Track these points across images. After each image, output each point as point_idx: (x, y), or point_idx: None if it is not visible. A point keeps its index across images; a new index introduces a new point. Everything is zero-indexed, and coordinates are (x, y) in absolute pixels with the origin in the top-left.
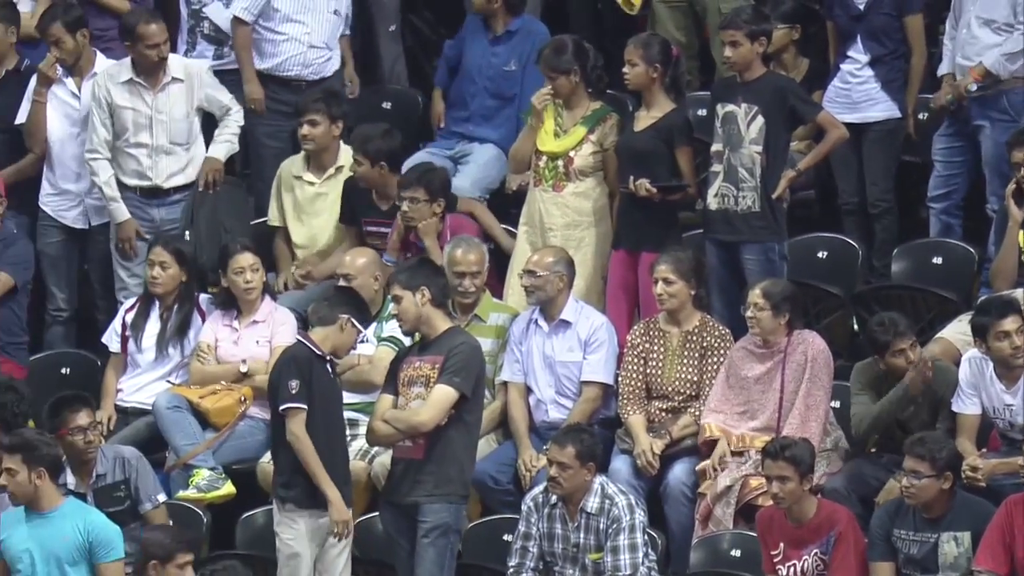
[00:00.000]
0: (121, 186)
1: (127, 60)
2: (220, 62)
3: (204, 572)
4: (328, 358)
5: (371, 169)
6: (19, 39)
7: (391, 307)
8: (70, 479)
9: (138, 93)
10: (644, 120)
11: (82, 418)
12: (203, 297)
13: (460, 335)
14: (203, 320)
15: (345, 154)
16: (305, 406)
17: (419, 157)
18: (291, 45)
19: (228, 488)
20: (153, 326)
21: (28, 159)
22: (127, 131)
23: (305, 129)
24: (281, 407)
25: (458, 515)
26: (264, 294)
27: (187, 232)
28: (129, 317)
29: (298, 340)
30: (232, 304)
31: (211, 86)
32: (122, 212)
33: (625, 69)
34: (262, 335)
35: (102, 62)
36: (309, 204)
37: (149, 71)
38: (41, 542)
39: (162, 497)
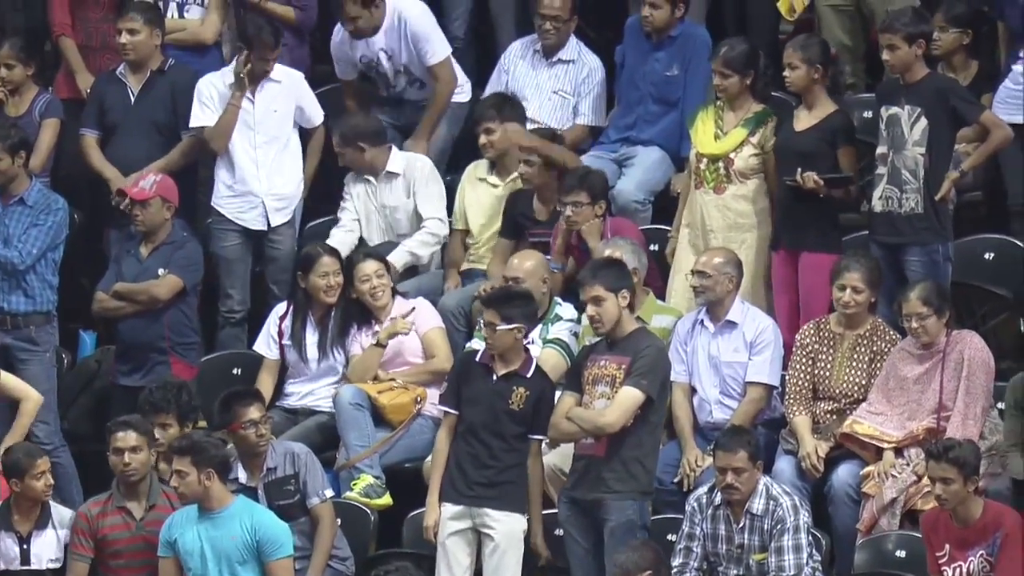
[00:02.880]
0: None
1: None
2: None
3: (378, 572)
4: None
5: (544, 171)
6: (187, 46)
7: (558, 309)
8: (241, 473)
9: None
10: (805, 120)
11: (253, 412)
12: None
13: (648, 337)
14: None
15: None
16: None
17: (585, 161)
18: None
19: (385, 500)
20: (312, 332)
21: (176, 156)
22: None
23: (483, 138)
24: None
25: (643, 512)
26: (395, 295)
27: None
28: (285, 324)
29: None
30: (367, 317)
31: (425, 183)
32: None
33: (786, 72)
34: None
35: (279, 70)
36: (494, 207)
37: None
38: (211, 541)
39: (329, 493)
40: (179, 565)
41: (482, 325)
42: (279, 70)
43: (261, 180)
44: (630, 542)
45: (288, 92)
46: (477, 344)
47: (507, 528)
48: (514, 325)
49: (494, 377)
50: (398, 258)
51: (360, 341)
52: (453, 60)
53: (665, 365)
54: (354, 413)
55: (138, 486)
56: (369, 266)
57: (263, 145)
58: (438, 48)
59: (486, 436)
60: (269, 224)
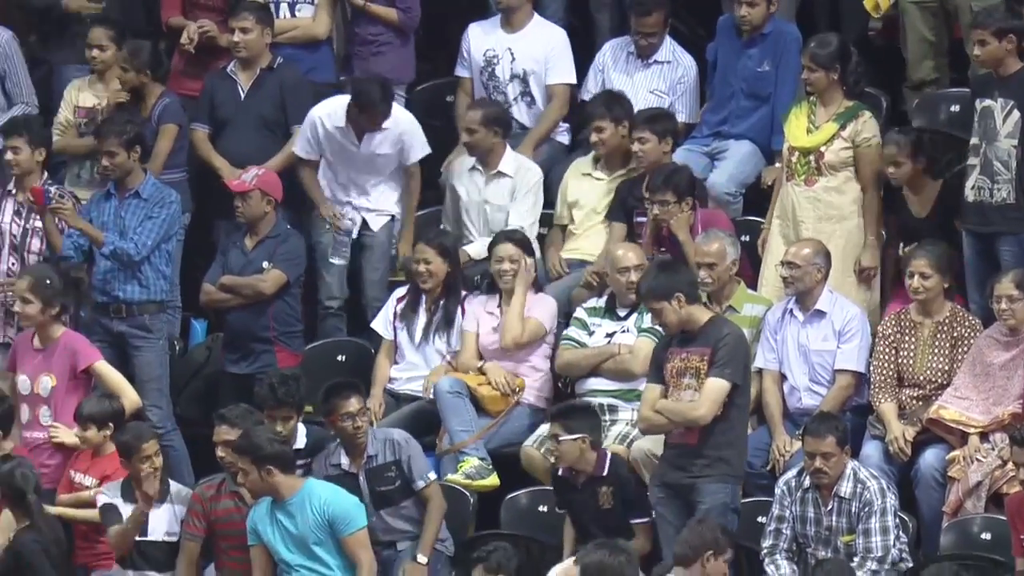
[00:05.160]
0: None
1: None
2: None
3: (479, 553)
4: None
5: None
6: (298, 43)
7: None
8: (343, 460)
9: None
10: None
11: (351, 404)
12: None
13: (724, 325)
14: (463, 312)
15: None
16: None
17: (678, 155)
18: None
19: (493, 480)
20: (422, 317)
21: (288, 153)
22: None
23: (594, 136)
24: None
25: (735, 494)
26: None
27: None
28: (400, 307)
29: None
30: (495, 289)
31: (527, 191)
32: None
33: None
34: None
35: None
36: (599, 201)
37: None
38: (287, 529)
39: (432, 475)
40: (268, 551)
41: (548, 436)
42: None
43: (361, 202)
44: (692, 521)
45: (394, 138)
46: (574, 332)
47: None
48: (578, 436)
49: (578, 487)
50: (477, 251)
51: (478, 319)
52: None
53: (745, 350)
54: (454, 400)
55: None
56: (505, 248)
57: (364, 175)
58: (568, 73)
59: (597, 531)
60: (367, 225)
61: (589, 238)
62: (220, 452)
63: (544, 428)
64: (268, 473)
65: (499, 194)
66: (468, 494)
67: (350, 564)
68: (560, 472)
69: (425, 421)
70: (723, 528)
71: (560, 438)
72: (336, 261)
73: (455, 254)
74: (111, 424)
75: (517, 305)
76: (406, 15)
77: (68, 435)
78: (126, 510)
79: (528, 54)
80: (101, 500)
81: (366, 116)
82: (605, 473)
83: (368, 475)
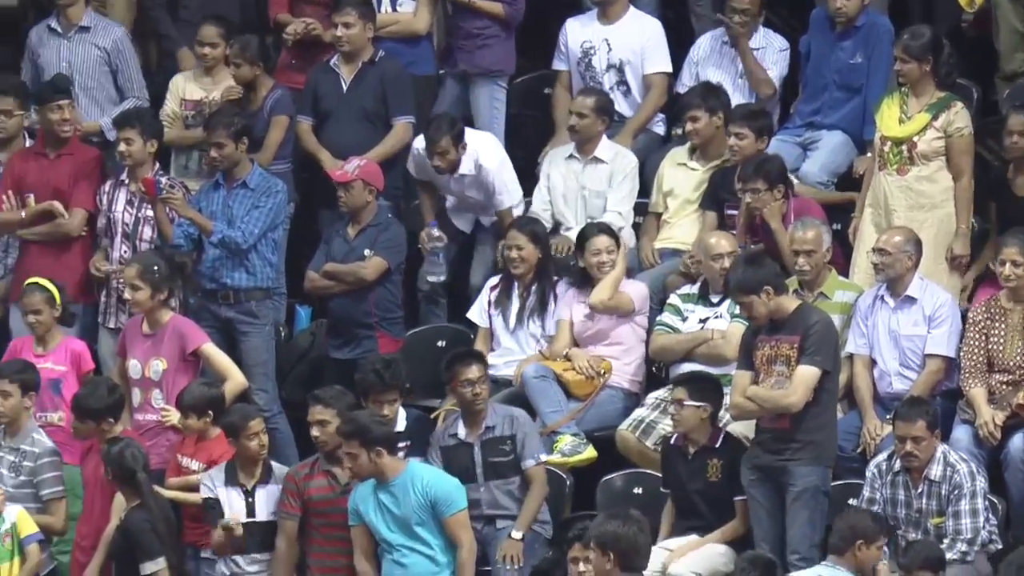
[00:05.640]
0: None
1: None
2: None
3: (575, 531)
4: None
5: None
6: (399, 37)
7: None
8: (461, 430)
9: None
10: None
11: (472, 371)
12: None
13: (812, 313)
14: (555, 301)
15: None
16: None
17: (771, 146)
18: None
19: (590, 452)
20: (515, 303)
21: (390, 143)
22: None
23: (689, 125)
24: None
25: (826, 477)
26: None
27: None
28: (494, 295)
29: None
30: (586, 282)
31: (624, 178)
32: None
33: None
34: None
35: (467, 162)
36: (693, 190)
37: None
38: (390, 510)
39: (543, 457)
40: (369, 531)
41: (671, 401)
42: (468, 162)
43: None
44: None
45: (480, 183)
46: (668, 318)
47: None
48: (700, 404)
49: (689, 456)
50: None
51: (571, 307)
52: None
53: (833, 337)
54: (541, 384)
55: (336, 453)
56: (601, 241)
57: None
58: (664, 62)
59: (699, 502)
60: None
61: (682, 227)
62: (315, 432)
63: (639, 412)
64: (377, 455)
65: (596, 180)
66: (564, 475)
67: (450, 544)
68: (673, 441)
69: (521, 406)
70: (874, 516)
71: (684, 402)
72: (433, 279)
73: (546, 240)
74: (211, 411)
75: (614, 274)
76: (511, 8)
77: (178, 417)
78: (228, 494)
79: (624, 44)
80: (204, 493)
81: (432, 155)
82: (718, 446)
83: (484, 445)
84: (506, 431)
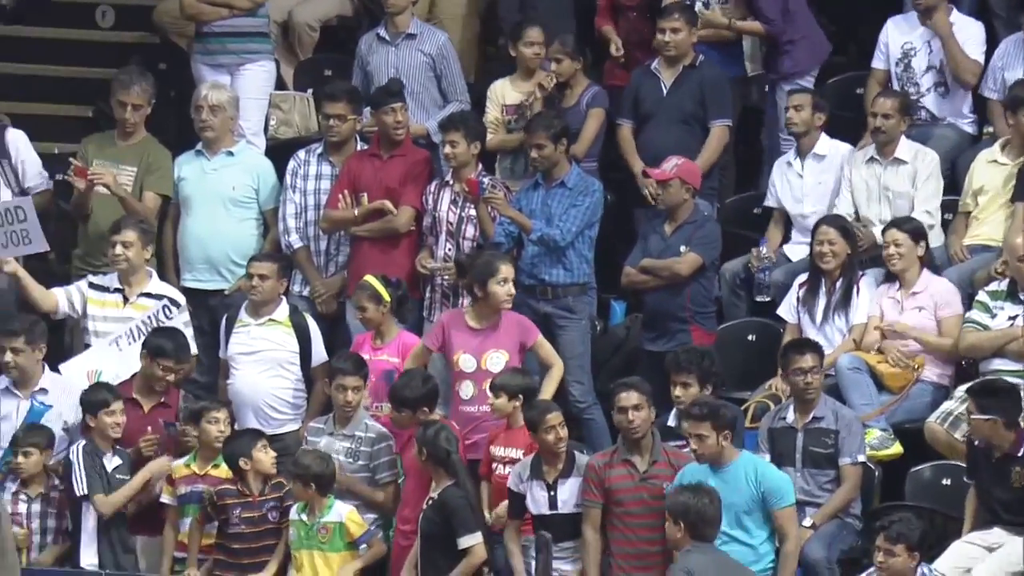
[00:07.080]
0: None
1: None
2: None
3: (882, 522)
4: None
5: None
6: (711, 41)
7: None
8: (790, 415)
9: None
10: None
11: (806, 361)
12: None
13: None
14: (857, 295)
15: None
16: None
17: None
18: None
19: (896, 448)
20: (822, 299)
21: (713, 147)
22: None
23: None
24: None
25: None
26: (922, 268)
27: None
28: (802, 292)
29: None
30: (894, 276)
31: (928, 177)
32: None
33: None
34: (923, 304)
35: None
36: (1003, 185)
37: None
38: (722, 493)
39: (861, 458)
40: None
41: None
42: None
43: None
44: None
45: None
46: (977, 315)
47: None
48: (989, 417)
49: (992, 460)
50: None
51: (880, 303)
52: None
53: None
54: (854, 376)
55: (641, 442)
56: (894, 234)
57: None
58: (979, 55)
59: (999, 508)
60: None
61: (991, 223)
62: (629, 416)
63: (947, 404)
64: (725, 438)
65: (899, 181)
66: (872, 466)
67: (771, 536)
68: (977, 443)
69: (831, 393)
70: None
71: (972, 416)
72: (759, 299)
73: (855, 235)
74: (521, 396)
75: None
76: (771, 26)
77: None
78: (531, 488)
79: (938, 47)
80: (511, 485)
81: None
82: (1020, 454)
83: (808, 432)
84: (831, 425)
